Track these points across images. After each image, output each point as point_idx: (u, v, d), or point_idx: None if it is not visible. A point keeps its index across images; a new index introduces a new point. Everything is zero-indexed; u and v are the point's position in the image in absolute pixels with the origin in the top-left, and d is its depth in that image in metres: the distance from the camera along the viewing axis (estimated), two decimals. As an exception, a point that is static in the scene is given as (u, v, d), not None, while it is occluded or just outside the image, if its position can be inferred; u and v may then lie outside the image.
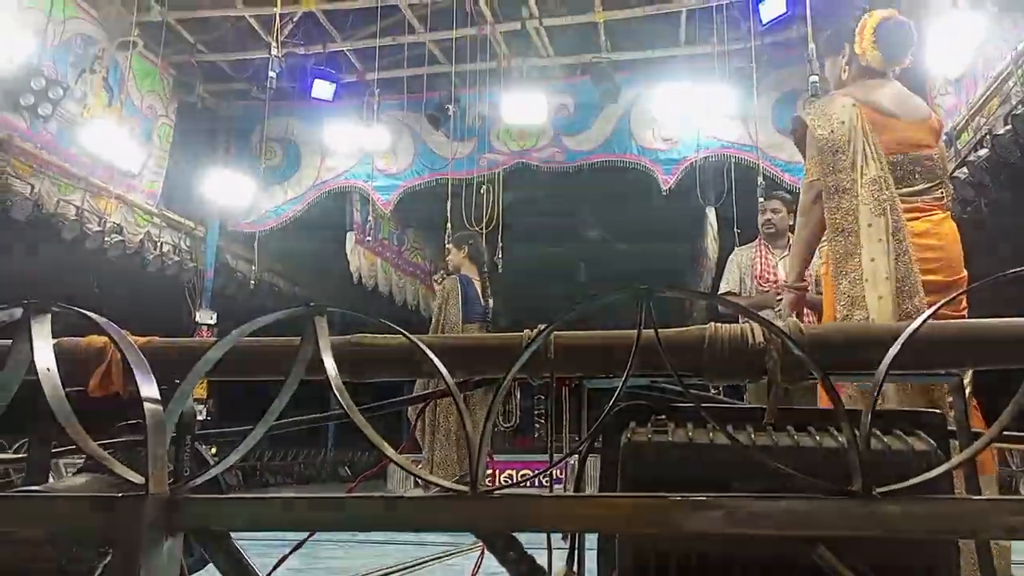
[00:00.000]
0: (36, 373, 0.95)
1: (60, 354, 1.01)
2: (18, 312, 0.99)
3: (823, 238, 2.64)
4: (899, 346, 0.82)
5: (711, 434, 0.95)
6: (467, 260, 5.75)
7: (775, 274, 4.38)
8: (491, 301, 5.78)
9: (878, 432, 0.94)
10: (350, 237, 10.05)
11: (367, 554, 3.58)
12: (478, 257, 5.83)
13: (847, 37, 2.77)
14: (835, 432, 0.95)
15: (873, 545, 0.85)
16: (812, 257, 2.68)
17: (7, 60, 6.60)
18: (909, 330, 0.83)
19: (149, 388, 0.89)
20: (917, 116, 2.69)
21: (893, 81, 2.75)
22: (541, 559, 1.00)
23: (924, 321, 0.86)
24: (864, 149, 2.47)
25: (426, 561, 3.30)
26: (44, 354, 0.95)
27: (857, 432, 0.81)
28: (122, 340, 0.91)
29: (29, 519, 0.87)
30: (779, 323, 0.93)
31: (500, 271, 9.23)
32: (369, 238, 10.31)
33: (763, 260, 4.45)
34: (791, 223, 4.47)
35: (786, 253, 4.40)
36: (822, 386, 0.82)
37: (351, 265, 10.09)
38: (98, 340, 1.14)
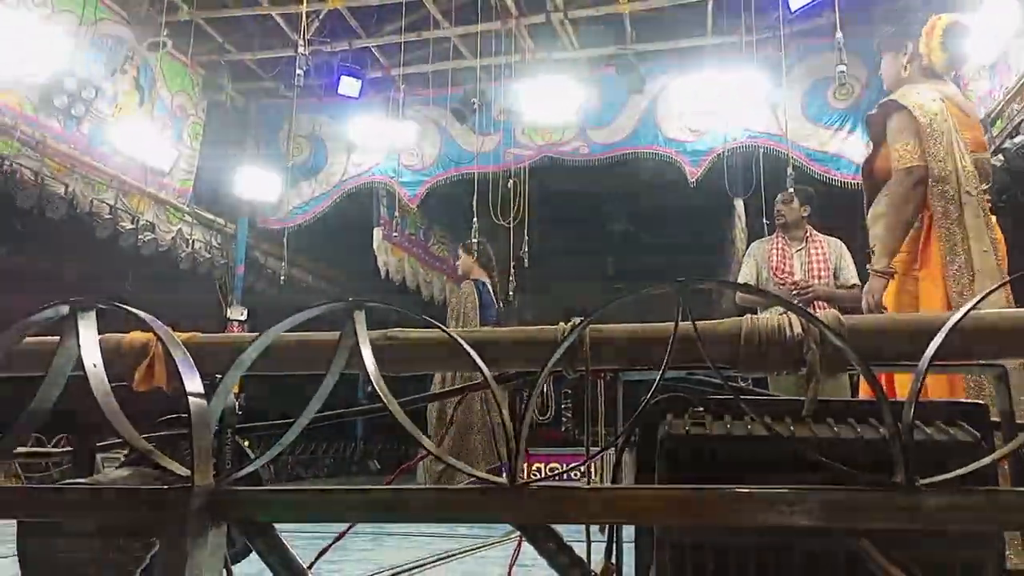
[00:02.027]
0: (81, 369, 0.98)
1: (104, 350, 1.03)
2: (64, 309, 1.01)
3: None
4: (943, 336, 0.81)
5: (749, 426, 0.95)
6: (477, 265, 5.92)
7: (790, 266, 4.36)
8: (500, 304, 5.97)
9: (920, 423, 0.93)
10: (377, 232, 10.12)
11: (397, 547, 3.61)
12: (487, 261, 6.02)
13: (910, 35, 2.82)
14: (876, 423, 0.94)
15: (916, 537, 0.85)
16: (902, 243, 2.66)
17: (41, 63, 6.73)
18: (953, 320, 0.82)
19: (193, 383, 0.91)
20: (977, 118, 2.77)
21: (950, 83, 2.80)
22: (578, 552, 1.00)
23: (968, 312, 0.85)
24: (956, 142, 2.54)
25: (458, 553, 3.32)
26: (90, 350, 0.97)
27: (899, 423, 0.81)
28: (167, 336, 0.92)
29: (80, 511, 0.89)
30: (819, 314, 0.92)
31: (527, 265, 9.24)
32: (396, 233, 10.36)
33: (779, 252, 4.43)
34: (803, 215, 4.46)
35: (802, 246, 4.38)
36: (864, 377, 0.82)
37: (378, 260, 10.16)
38: (141, 336, 1.16)
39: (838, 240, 4.42)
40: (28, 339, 1.17)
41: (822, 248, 4.38)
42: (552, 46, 8.67)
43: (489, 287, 5.87)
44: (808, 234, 4.45)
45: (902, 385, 2.16)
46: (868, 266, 2.67)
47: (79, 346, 0.96)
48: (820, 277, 4.29)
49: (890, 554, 0.81)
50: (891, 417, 0.80)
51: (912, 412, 0.80)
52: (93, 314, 0.98)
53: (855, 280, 4.20)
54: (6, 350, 0.97)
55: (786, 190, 4.82)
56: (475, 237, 8.59)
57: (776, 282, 4.33)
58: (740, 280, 4.59)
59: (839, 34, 6.49)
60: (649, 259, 12.22)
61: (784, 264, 4.38)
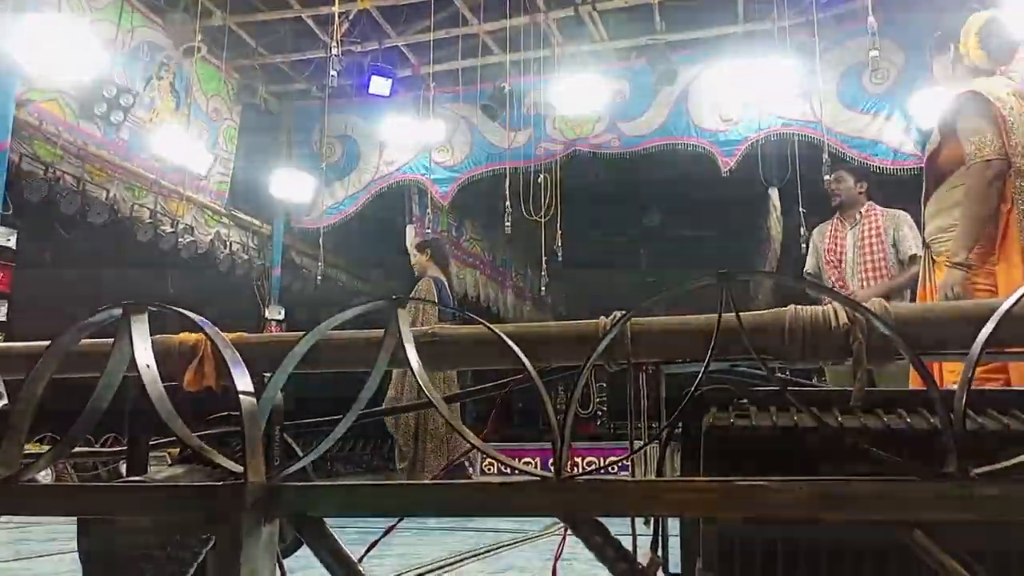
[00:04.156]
0: (134, 370, 1.00)
1: (155, 351, 1.06)
2: (117, 312, 1.04)
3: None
4: (995, 322, 0.80)
5: (796, 417, 0.94)
6: (431, 263, 6.03)
7: (842, 247, 4.25)
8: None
9: (972, 413, 0.91)
10: (410, 230, 10.18)
11: (437, 541, 3.64)
12: (441, 258, 6.16)
13: (952, 37, 2.80)
14: (926, 413, 0.93)
15: (971, 528, 0.83)
16: (979, 236, 2.63)
17: (81, 71, 6.88)
18: (1005, 306, 0.81)
19: (244, 382, 0.93)
20: None
21: (1003, 77, 2.76)
22: (624, 545, 1.00)
23: (1020, 298, 0.83)
24: None
25: (498, 547, 3.34)
26: (143, 351, 1.00)
27: (951, 412, 0.79)
28: (217, 337, 0.94)
29: (139, 507, 0.92)
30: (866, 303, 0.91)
31: (559, 259, 9.23)
32: (428, 230, 10.42)
33: (832, 234, 4.33)
34: (860, 191, 4.34)
35: (856, 223, 4.27)
36: (914, 366, 0.81)
37: (412, 258, 10.22)
38: (190, 337, 1.19)
39: (898, 211, 4.24)
40: (82, 341, 1.21)
41: (876, 222, 4.20)
42: (581, 39, 8.63)
43: (446, 284, 5.99)
44: (865, 210, 4.33)
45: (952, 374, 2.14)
46: (945, 260, 2.63)
47: (132, 347, 0.99)
48: (873, 253, 4.15)
49: (944, 545, 0.80)
50: (943, 406, 0.79)
51: (964, 400, 0.79)
52: (145, 316, 1.01)
53: (914, 251, 3.99)
54: (64, 352, 1.00)
55: (824, 176, 4.73)
56: (507, 231, 8.64)
57: (828, 263, 4.24)
58: (806, 271, 4.52)
59: (871, 19, 6.36)
60: (683, 251, 12.14)
61: (835, 246, 4.27)
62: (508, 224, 8.52)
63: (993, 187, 2.57)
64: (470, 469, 5.89)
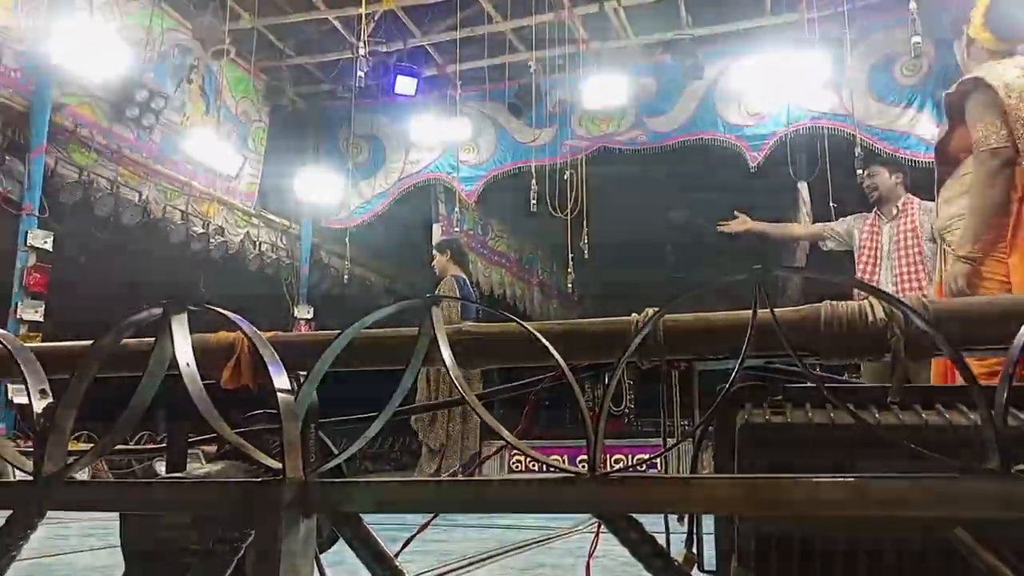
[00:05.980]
0: (175, 368, 1.02)
1: (194, 350, 1.08)
2: (158, 311, 1.06)
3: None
4: (1037, 318, 0.79)
5: (832, 414, 0.93)
6: (452, 263, 6.10)
7: (876, 242, 4.21)
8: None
9: (1013, 409, 0.90)
10: (436, 229, 10.22)
11: (468, 538, 3.65)
12: (461, 258, 6.27)
13: (966, 20, 2.74)
14: (965, 409, 0.91)
15: (1012, 527, 0.82)
16: (987, 227, 2.57)
17: (113, 75, 7.01)
18: (1047, 301, 0.79)
19: (281, 380, 0.94)
20: None
21: (1020, 57, 2.68)
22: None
23: (1063, 292, 0.82)
24: None
25: (529, 544, 3.34)
26: (184, 350, 1.02)
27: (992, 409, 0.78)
28: (255, 336, 0.96)
29: (181, 503, 0.94)
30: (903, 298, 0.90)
31: (585, 257, 9.20)
32: (455, 229, 10.45)
33: (870, 230, 4.29)
34: (897, 182, 4.27)
35: (894, 216, 4.21)
36: (953, 362, 0.80)
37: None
38: (228, 335, 1.21)
39: (932, 203, 4.23)
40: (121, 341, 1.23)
41: (912, 216, 4.14)
42: (606, 35, 8.59)
43: (468, 283, 6.10)
44: (902, 204, 4.23)
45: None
46: (951, 251, 2.57)
47: (173, 346, 1.01)
48: (908, 249, 4.09)
49: (986, 543, 0.79)
50: (984, 402, 0.78)
51: (1005, 396, 0.78)
52: (185, 315, 1.02)
53: None
54: (107, 351, 1.03)
55: (856, 170, 4.69)
56: (532, 208, 8.64)
57: (861, 262, 4.21)
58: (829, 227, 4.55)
59: (912, 4, 6.24)
60: (710, 246, 12.02)
61: (872, 242, 4.22)
62: (533, 201, 8.47)
63: (1000, 177, 2.48)
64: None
